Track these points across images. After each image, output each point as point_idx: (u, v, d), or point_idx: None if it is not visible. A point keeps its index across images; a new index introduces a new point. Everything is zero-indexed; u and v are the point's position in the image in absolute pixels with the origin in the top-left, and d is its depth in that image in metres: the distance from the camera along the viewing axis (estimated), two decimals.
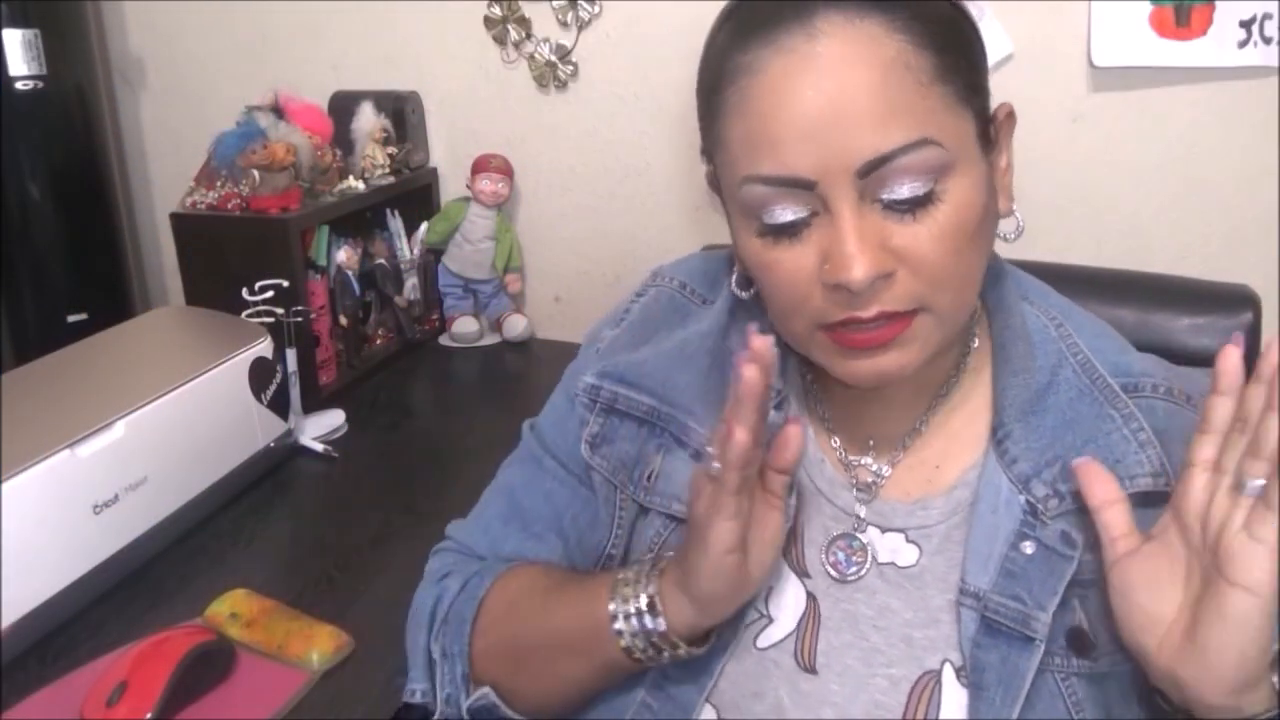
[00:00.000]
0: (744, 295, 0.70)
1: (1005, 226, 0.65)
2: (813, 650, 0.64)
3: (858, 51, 0.54)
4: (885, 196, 0.56)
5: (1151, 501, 0.61)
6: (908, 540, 0.66)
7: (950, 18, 0.58)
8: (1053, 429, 0.64)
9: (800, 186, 0.56)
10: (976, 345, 0.69)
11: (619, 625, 0.62)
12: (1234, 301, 0.91)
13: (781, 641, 0.65)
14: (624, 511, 0.72)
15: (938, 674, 0.62)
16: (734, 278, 0.70)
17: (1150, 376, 0.67)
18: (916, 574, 0.65)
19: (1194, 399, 0.65)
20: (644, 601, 0.62)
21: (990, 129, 0.61)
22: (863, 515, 0.67)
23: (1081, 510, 0.61)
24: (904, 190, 0.55)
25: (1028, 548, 0.61)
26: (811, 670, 0.64)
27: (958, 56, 0.57)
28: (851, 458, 0.69)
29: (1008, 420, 0.65)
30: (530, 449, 0.80)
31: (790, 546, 0.67)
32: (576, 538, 0.76)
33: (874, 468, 0.68)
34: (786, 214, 0.57)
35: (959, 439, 0.67)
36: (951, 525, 0.65)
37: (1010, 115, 0.63)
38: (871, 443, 0.69)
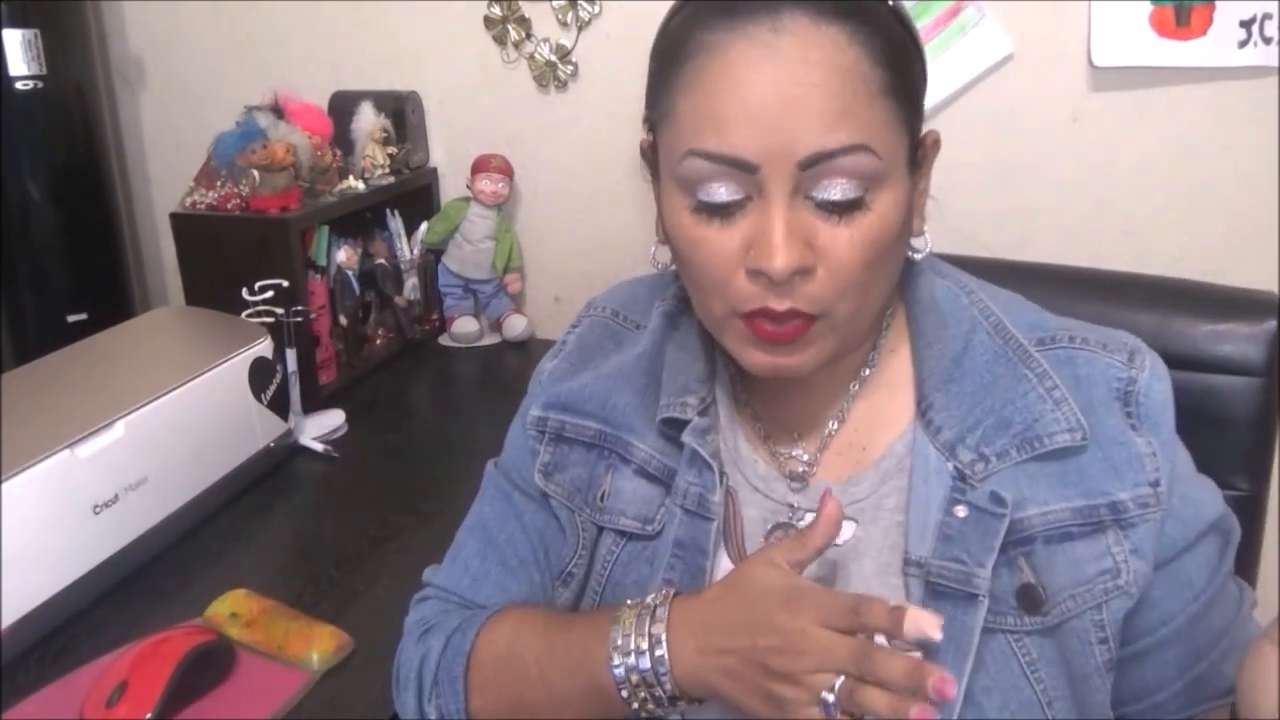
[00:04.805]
0: (669, 267, 0.72)
1: (914, 244, 0.68)
2: None
3: (818, 53, 0.57)
4: (818, 195, 0.58)
5: (1070, 454, 0.64)
6: (845, 518, 0.68)
7: (905, 43, 0.61)
8: (972, 394, 0.67)
9: (741, 168, 0.58)
10: (891, 328, 0.71)
11: (626, 694, 0.62)
12: (1258, 309, 0.87)
13: None
14: (585, 533, 0.74)
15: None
16: (654, 249, 0.72)
17: (1066, 330, 0.69)
18: (853, 546, 0.67)
19: (1109, 346, 0.67)
20: (647, 663, 0.61)
21: (919, 153, 0.64)
22: (796, 504, 0.69)
23: (1008, 470, 0.64)
24: (836, 192, 0.58)
25: (960, 511, 0.64)
26: None
27: (906, 79, 0.60)
28: (780, 450, 0.71)
29: (929, 392, 0.67)
30: (498, 486, 0.81)
31: (731, 547, 0.70)
32: (550, 567, 0.78)
33: (804, 457, 0.71)
34: (722, 193, 0.59)
35: (883, 417, 0.70)
36: (881, 495, 0.68)
37: (936, 143, 0.67)
38: (798, 434, 0.71)
